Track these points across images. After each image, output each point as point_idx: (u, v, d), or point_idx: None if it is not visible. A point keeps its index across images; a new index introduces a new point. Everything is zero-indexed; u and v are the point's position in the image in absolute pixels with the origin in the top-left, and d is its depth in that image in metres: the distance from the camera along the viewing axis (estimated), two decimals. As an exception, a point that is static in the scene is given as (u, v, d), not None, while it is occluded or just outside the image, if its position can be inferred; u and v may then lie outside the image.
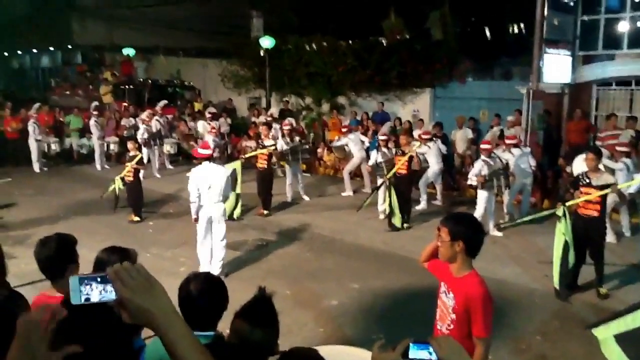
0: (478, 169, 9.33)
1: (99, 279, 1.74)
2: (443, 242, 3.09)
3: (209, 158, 7.57)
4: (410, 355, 1.70)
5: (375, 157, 10.44)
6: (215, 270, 7.09)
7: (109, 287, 1.64)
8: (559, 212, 6.63)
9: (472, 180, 9.50)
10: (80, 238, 3.35)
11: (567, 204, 6.75)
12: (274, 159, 11.67)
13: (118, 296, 1.45)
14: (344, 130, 13.23)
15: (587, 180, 6.80)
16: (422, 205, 11.38)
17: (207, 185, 7.27)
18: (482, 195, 9.36)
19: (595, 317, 6.32)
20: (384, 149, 10.35)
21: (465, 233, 3.07)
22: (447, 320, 3.18)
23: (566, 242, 6.65)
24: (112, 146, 16.08)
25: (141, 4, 22.55)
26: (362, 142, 12.70)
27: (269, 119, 14.92)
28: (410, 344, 1.71)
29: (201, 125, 15.55)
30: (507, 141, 10.41)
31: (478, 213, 9.18)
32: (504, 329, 5.70)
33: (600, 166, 7.76)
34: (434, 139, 11.58)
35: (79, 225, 9.70)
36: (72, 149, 16.87)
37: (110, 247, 3.22)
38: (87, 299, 1.58)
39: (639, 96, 13.18)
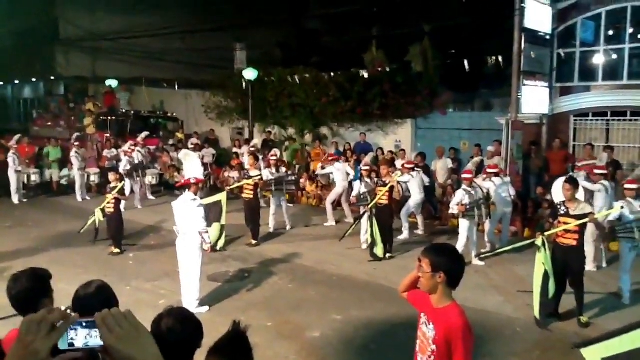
0: (460, 198, 9.41)
1: (84, 324, 1.73)
2: (424, 273, 3.08)
3: (187, 187, 7.60)
4: None
5: (359, 187, 10.50)
6: (191, 309, 6.88)
7: (95, 332, 1.63)
8: (538, 242, 6.70)
9: (453, 209, 9.59)
10: (59, 271, 3.33)
11: (546, 233, 6.83)
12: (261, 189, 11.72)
13: (104, 343, 1.43)
14: (330, 158, 13.31)
15: (565, 210, 6.90)
16: (405, 235, 11.42)
17: (183, 215, 7.30)
18: (464, 225, 9.45)
19: (571, 343, 6.36)
20: (367, 179, 10.41)
21: (447, 264, 3.07)
22: (428, 352, 3.15)
23: (546, 272, 6.70)
24: (92, 177, 15.99)
25: (125, 36, 22.65)
26: (347, 173, 12.79)
27: (252, 149, 14.96)
28: None
29: (183, 154, 15.49)
30: (489, 170, 10.56)
31: (461, 242, 9.24)
32: (486, 358, 5.68)
33: (578, 196, 7.89)
34: (417, 169, 11.68)
35: (58, 257, 9.58)
36: (52, 180, 16.72)
37: (88, 282, 3.18)
38: (71, 344, 1.56)
39: (615, 127, 13.47)
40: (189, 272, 7.27)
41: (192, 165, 12.05)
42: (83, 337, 1.81)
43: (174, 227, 7.51)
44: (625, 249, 7.87)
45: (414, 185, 11.30)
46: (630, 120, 13.20)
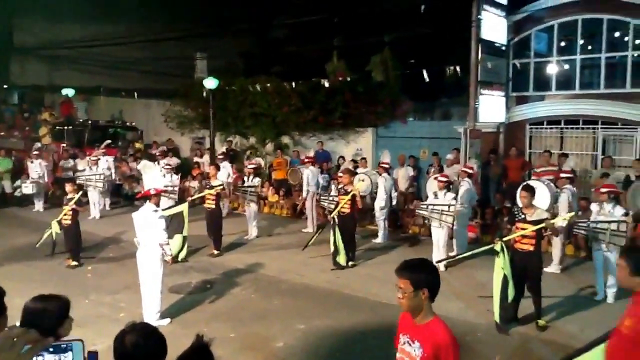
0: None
1: (51, 349, 1.69)
2: (405, 293, 3.01)
3: (148, 198, 7.50)
4: None
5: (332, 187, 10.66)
6: (152, 322, 6.77)
7: (64, 357, 1.59)
8: (497, 247, 6.84)
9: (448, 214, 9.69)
10: (14, 286, 3.24)
11: (504, 239, 6.98)
12: (222, 199, 11.69)
13: None
14: (306, 160, 13.36)
15: (522, 216, 7.08)
16: (380, 239, 11.66)
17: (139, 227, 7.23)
18: (440, 232, 9.69)
19: (536, 349, 6.52)
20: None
21: (428, 279, 3.03)
22: None
23: (505, 277, 6.84)
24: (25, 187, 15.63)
25: (83, 44, 22.21)
26: (317, 180, 12.87)
27: (221, 156, 14.96)
28: None
29: (142, 165, 15.30)
30: (466, 169, 10.80)
31: (437, 250, 9.51)
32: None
33: (543, 202, 8.14)
34: (387, 172, 11.97)
35: (13, 271, 9.30)
36: (4, 191, 16.22)
37: (40, 295, 3.09)
38: None
39: (569, 135, 13.91)
40: (149, 285, 7.15)
41: (152, 176, 11.96)
42: None
43: (134, 239, 7.39)
44: (593, 249, 8.30)
45: (383, 188, 11.50)
46: (583, 128, 13.65)
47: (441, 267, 9.64)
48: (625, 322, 3.39)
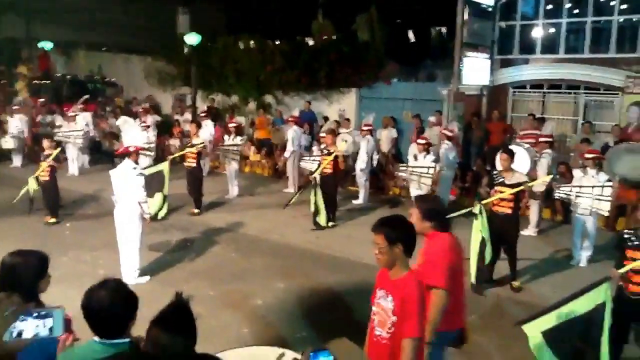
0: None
1: (34, 314, 1.69)
2: (381, 248, 3.11)
3: (127, 155, 7.42)
4: None
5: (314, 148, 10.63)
6: (131, 280, 6.76)
7: (47, 322, 1.59)
8: (476, 210, 6.89)
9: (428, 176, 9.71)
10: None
11: (483, 202, 7.04)
12: (202, 158, 11.62)
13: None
14: (290, 119, 13.26)
15: (501, 179, 7.14)
16: (360, 200, 11.72)
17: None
18: (417, 193, 9.74)
19: (510, 310, 6.67)
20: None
21: (402, 234, 3.12)
22: (388, 324, 3.17)
23: (483, 239, 6.93)
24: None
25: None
26: (300, 140, 12.82)
27: (203, 114, 14.78)
28: (311, 354, 1.75)
29: (122, 122, 15.07)
30: (446, 132, 10.79)
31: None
32: (424, 323, 5.86)
33: (523, 164, 8.20)
34: (370, 134, 11.98)
35: (-11, 228, 9.21)
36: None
37: (18, 250, 3.08)
38: (20, 334, 1.54)
39: (551, 99, 13.95)
40: (128, 242, 7.13)
41: (131, 133, 11.79)
42: (33, 327, 1.78)
43: (112, 197, 7.33)
44: (573, 214, 8.42)
45: (364, 150, 11.50)
46: (565, 92, 13.70)
47: (419, 228, 9.76)
48: (417, 260, 3.81)
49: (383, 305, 3.22)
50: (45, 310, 2.23)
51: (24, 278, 2.96)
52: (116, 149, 14.00)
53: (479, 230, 6.92)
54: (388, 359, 3.17)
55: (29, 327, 1.80)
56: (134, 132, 13.11)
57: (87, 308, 2.56)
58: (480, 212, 6.87)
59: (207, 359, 2.25)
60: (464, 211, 7.58)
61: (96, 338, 2.56)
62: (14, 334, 1.51)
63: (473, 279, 7.03)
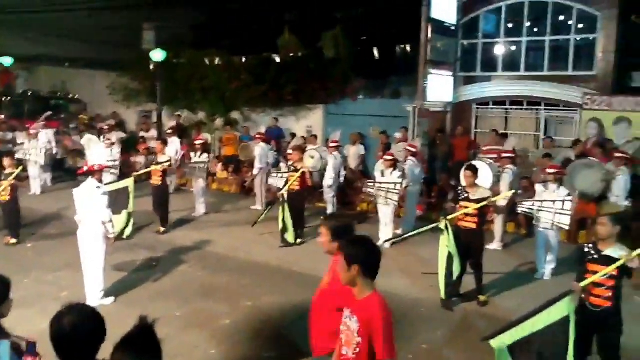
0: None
1: None
2: (341, 268, 3.15)
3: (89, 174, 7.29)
4: None
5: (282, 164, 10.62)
6: (95, 301, 6.66)
7: None
8: (442, 225, 6.99)
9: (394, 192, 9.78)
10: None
11: (449, 217, 7.14)
12: (169, 175, 11.50)
13: None
14: (257, 136, 13.24)
15: (466, 195, 7.26)
16: (330, 209, 11.83)
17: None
18: (388, 211, 9.87)
19: (477, 324, 6.75)
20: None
21: (360, 256, 3.13)
22: (353, 344, 3.17)
23: (450, 254, 7.02)
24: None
25: (23, 10, 21.10)
26: (268, 157, 12.80)
27: (170, 131, 14.65)
28: None
29: (87, 139, 14.82)
30: (408, 148, 10.92)
31: (384, 227, 9.85)
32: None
33: (485, 180, 8.36)
34: (337, 151, 12.09)
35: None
36: None
37: None
38: None
39: (513, 115, 14.29)
40: (91, 263, 6.97)
41: (96, 151, 11.60)
42: None
43: (75, 216, 7.18)
44: (536, 228, 8.61)
45: (331, 166, 11.55)
46: (527, 109, 14.05)
47: (386, 244, 9.83)
48: (325, 279, 3.94)
49: (349, 325, 3.23)
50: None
51: None
52: (80, 166, 13.76)
53: (445, 245, 7.03)
54: None
55: None
56: (99, 150, 12.93)
57: (54, 334, 2.49)
58: (446, 228, 6.97)
59: None
60: (429, 227, 7.67)
61: None
62: None
63: (442, 294, 7.11)
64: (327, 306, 3.75)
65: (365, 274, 3.13)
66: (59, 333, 2.48)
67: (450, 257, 7.04)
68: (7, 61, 21.49)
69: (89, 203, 7.00)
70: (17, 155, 11.86)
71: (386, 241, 8.82)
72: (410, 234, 9.01)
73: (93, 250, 6.97)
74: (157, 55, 15.85)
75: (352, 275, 3.12)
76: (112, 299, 7.07)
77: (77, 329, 2.48)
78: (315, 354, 3.96)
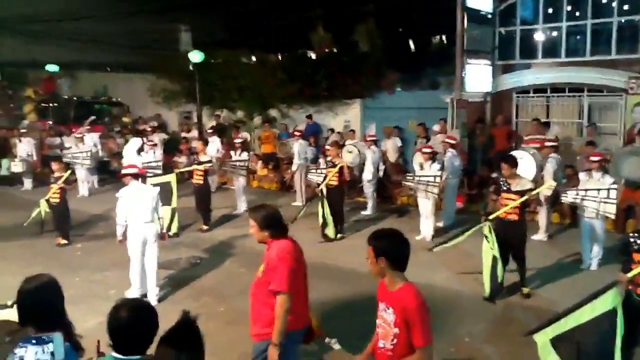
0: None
1: (34, 340, 1.74)
2: (370, 260, 3.24)
3: (137, 176, 7.46)
4: None
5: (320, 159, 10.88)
6: (153, 298, 6.97)
7: (48, 347, 1.63)
8: (485, 230, 6.91)
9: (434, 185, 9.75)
10: (4, 265, 3.27)
11: (490, 217, 7.02)
12: (210, 174, 11.73)
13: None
14: (296, 133, 13.39)
15: (507, 186, 7.15)
16: (368, 211, 11.77)
17: (138, 204, 7.15)
18: (424, 202, 9.84)
19: (520, 317, 6.66)
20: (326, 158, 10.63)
21: (385, 249, 3.21)
22: (391, 336, 3.23)
23: (494, 257, 6.94)
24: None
25: (64, 18, 21.75)
26: (306, 153, 12.88)
27: (210, 130, 14.92)
28: None
29: (132, 142, 15.22)
30: (448, 140, 10.81)
31: (424, 220, 9.84)
32: (434, 332, 5.87)
33: (528, 170, 8.22)
34: (375, 145, 12.06)
35: (2, 251, 9.30)
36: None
37: (32, 276, 3.13)
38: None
39: (555, 102, 13.95)
40: (150, 262, 7.23)
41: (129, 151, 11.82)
42: (34, 353, 1.82)
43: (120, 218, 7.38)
44: (581, 218, 8.43)
45: (369, 161, 11.55)
46: (569, 96, 13.69)
47: (428, 237, 9.79)
48: (260, 268, 4.11)
49: (385, 318, 3.29)
50: (45, 335, 2.27)
51: (35, 303, 2.99)
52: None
53: (489, 248, 6.95)
54: None
55: (30, 354, 1.84)
56: (131, 150, 13.35)
57: (112, 326, 2.61)
58: (490, 232, 6.89)
59: None
60: (473, 230, 7.45)
61: (114, 354, 2.61)
62: None
63: (487, 294, 7.02)
64: (262, 294, 3.94)
65: (394, 266, 3.21)
66: (116, 325, 2.60)
67: (495, 260, 6.95)
68: (53, 68, 22.23)
69: (139, 203, 7.18)
70: (64, 159, 12.28)
71: (431, 249, 8.44)
72: (454, 242, 8.35)
73: (129, 250, 7.18)
74: (195, 57, 16.11)
75: (379, 267, 3.21)
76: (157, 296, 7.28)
77: (133, 322, 2.61)
78: (255, 340, 4.12)
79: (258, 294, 4.05)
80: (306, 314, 4.28)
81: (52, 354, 2.39)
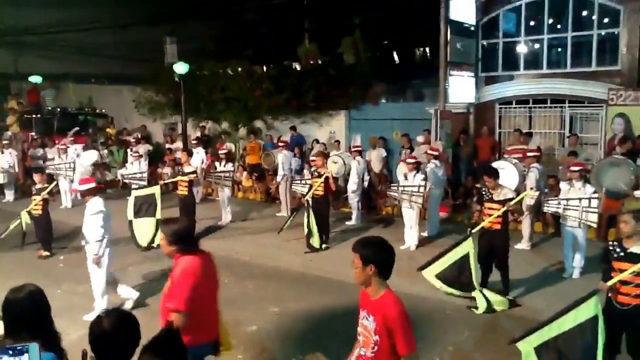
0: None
1: (10, 352, 1.73)
2: (356, 268, 3.23)
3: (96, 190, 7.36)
4: None
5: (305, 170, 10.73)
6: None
7: (23, 358, 1.62)
8: (469, 247, 6.97)
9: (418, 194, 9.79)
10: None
11: (473, 231, 7.12)
12: (195, 185, 11.69)
13: None
14: (280, 144, 13.42)
15: (489, 196, 7.23)
16: (353, 221, 11.79)
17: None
18: (409, 212, 9.87)
19: (504, 325, 6.70)
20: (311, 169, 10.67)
21: (375, 256, 3.21)
22: (371, 343, 3.25)
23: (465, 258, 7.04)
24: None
25: (49, 30, 21.68)
26: (291, 164, 12.89)
27: (195, 142, 14.90)
28: None
29: (88, 154, 15.13)
30: (430, 151, 10.89)
31: (409, 230, 9.87)
32: (418, 342, 5.87)
33: (511, 180, 8.32)
34: (360, 156, 12.13)
35: (-18, 263, 9.18)
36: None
37: (18, 286, 3.11)
38: None
39: (537, 114, 14.13)
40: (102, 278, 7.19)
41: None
42: None
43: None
44: (563, 227, 8.51)
45: (354, 171, 11.60)
46: (550, 107, 13.88)
47: (412, 246, 9.83)
48: (167, 284, 4.16)
49: (366, 326, 3.31)
50: (20, 345, 2.25)
51: (22, 314, 2.97)
52: (108, 179, 14.11)
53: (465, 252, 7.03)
54: None
55: None
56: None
57: (94, 336, 2.63)
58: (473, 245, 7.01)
59: None
60: (458, 246, 7.41)
61: None
62: None
63: (483, 309, 6.99)
64: (167, 308, 3.97)
65: (379, 274, 3.22)
66: (98, 335, 2.62)
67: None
68: (37, 80, 22.09)
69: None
70: (47, 171, 12.18)
71: (419, 269, 8.29)
72: (442, 261, 8.27)
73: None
74: (180, 68, 16.09)
75: (367, 275, 3.21)
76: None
77: (116, 332, 2.62)
78: None
79: (164, 309, 4.08)
80: (215, 327, 4.40)
81: None
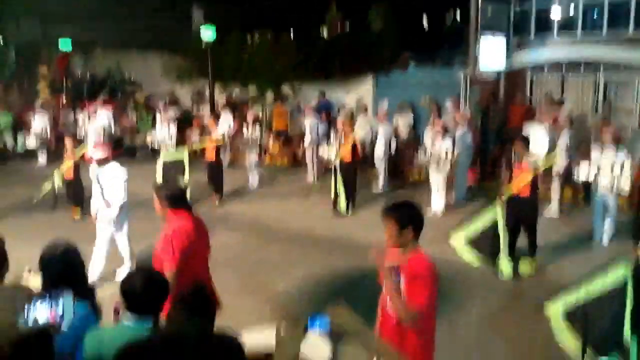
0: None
1: (47, 298, 1.80)
2: (392, 232, 3.25)
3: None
4: (310, 327, 1.88)
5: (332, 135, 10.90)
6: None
7: (58, 304, 1.68)
8: (498, 212, 6.87)
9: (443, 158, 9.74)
10: (18, 238, 3.34)
11: (503, 197, 7.00)
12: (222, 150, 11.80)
13: None
14: (307, 109, 13.39)
15: (520, 161, 7.13)
16: (380, 187, 11.83)
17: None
18: (435, 177, 9.87)
19: (531, 291, 6.68)
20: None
21: (411, 217, 3.27)
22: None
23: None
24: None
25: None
26: (318, 130, 12.84)
27: (223, 107, 14.96)
28: (309, 317, 1.87)
29: (99, 115, 15.28)
30: (459, 116, 10.76)
31: (436, 195, 9.83)
32: (443, 304, 5.91)
33: (541, 146, 8.19)
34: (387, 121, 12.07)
35: (16, 225, 9.41)
36: (5, 146, 16.29)
37: (54, 243, 3.22)
38: (36, 320, 1.66)
39: (570, 79, 13.77)
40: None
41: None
42: (43, 313, 1.86)
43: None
44: (593, 195, 8.44)
45: (381, 136, 11.53)
46: (584, 73, 13.51)
47: (439, 212, 9.81)
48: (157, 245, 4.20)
49: (394, 284, 3.30)
50: (55, 295, 2.34)
51: (57, 270, 3.07)
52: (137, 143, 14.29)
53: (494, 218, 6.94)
54: (397, 337, 3.31)
55: (42, 313, 1.90)
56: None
57: (128, 291, 2.77)
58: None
59: (224, 337, 2.35)
60: (487, 213, 7.34)
61: (126, 321, 2.72)
62: (30, 321, 1.62)
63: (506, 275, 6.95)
64: (159, 269, 3.95)
65: (415, 236, 3.26)
66: (130, 291, 2.76)
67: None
68: (67, 46, 22.25)
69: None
70: (77, 136, 12.38)
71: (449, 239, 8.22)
72: (472, 228, 8.24)
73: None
74: (207, 33, 16.04)
75: (406, 237, 3.23)
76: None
77: (146, 288, 2.76)
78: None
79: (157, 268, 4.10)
80: (208, 284, 4.50)
81: (62, 313, 2.48)
